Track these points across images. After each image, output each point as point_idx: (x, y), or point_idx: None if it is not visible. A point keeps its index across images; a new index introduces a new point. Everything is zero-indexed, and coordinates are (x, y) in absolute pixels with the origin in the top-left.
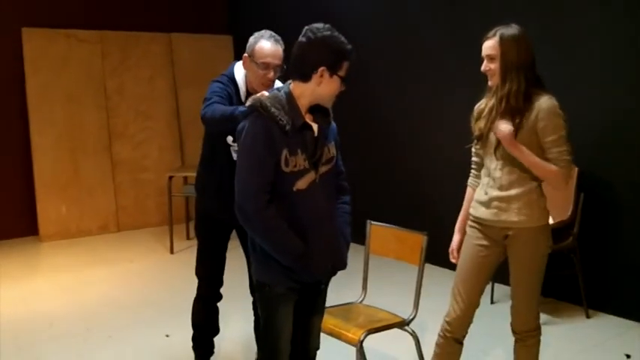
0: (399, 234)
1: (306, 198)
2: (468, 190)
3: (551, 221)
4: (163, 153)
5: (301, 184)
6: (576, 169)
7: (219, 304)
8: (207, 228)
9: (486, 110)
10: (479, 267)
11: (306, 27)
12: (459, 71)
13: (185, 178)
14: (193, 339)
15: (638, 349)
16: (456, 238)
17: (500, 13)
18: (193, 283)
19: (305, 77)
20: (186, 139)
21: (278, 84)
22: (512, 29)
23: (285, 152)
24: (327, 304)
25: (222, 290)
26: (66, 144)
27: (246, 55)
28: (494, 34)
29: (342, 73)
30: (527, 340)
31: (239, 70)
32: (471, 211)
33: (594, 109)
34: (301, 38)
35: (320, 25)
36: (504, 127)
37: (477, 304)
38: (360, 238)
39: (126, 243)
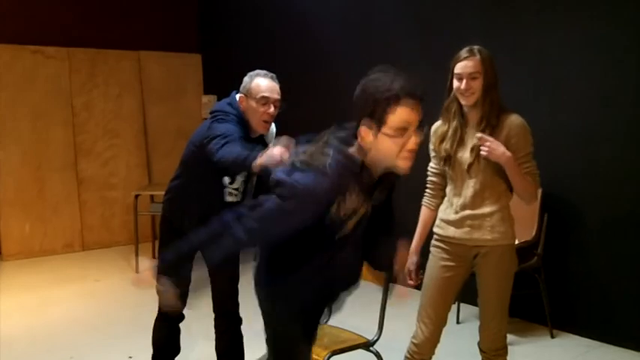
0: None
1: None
2: (424, 210)
3: (516, 241)
4: (131, 171)
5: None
6: (540, 189)
7: (181, 324)
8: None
9: (450, 131)
10: (445, 287)
11: None
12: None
13: (152, 196)
14: (153, 359)
15: None
16: (413, 259)
17: (469, 31)
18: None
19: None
20: (154, 157)
21: (272, 126)
22: (484, 49)
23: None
24: None
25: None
26: (31, 161)
27: (242, 95)
28: (474, 53)
29: (389, 129)
30: (495, 359)
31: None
32: (438, 230)
33: (557, 129)
34: None
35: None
36: (496, 145)
37: (444, 323)
38: None
39: (91, 262)
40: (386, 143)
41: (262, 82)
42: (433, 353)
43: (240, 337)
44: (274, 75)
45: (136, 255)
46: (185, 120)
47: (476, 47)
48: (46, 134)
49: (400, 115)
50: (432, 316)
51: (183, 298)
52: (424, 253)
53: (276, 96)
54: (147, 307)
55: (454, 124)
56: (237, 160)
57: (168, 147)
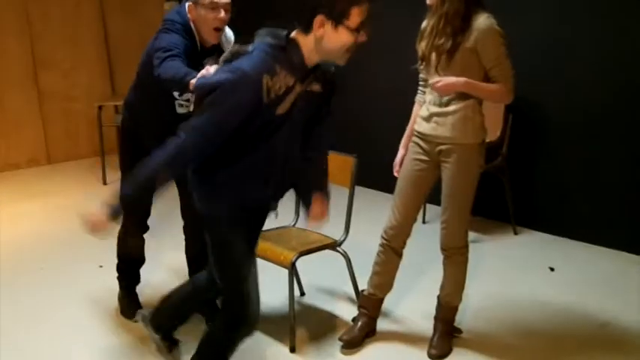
0: (329, 157)
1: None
2: (415, 106)
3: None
4: (93, 81)
5: (282, 107)
6: (512, 87)
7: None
8: (134, 155)
9: (428, 30)
10: (415, 180)
11: None
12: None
13: (116, 106)
14: (118, 269)
15: (561, 262)
16: (400, 152)
17: None
18: None
19: (305, 28)
20: (117, 67)
21: (228, 32)
22: None
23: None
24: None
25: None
26: None
27: (190, 3)
28: None
29: (351, 23)
30: (455, 257)
31: (185, 17)
32: (415, 126)
33: (526, 32)
34: None
35: None
36: (446, 81)
37: (413, 218)
38: None
39: (57, 175)
40: (342, 37)
41: None
42: (404, 244)
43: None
44: None
45: (103, 167)
46: (147, 28)
47: None
48: (1, 46)
49: (361, 12)
50: (400, 207)
51: (145, 208)
52: None
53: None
54: None
55: (432, 21)
56: (175, 78)
57: (131, 56)
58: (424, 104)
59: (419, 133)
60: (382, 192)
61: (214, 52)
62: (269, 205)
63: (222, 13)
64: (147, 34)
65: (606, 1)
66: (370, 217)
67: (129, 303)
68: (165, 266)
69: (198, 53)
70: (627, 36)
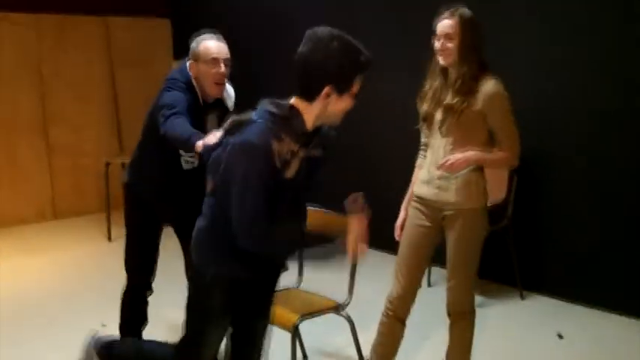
0: (332, 218)
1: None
2: (416, 170)
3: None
4: (101, 138)
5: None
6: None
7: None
8: (139, 215)
9: (431, 92)
10: (418, 246)
11: (309, 31)
12: (402, 56)
13: (123, 163)
14: (120, 328)
15: (571, 329)
16: (401, 215)
17: None
18: None
19: (309, 97)
20: (125, 124)
21: (229, 90)
22: (468, 10)
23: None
24: None
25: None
26: None
27: (191, 61)
28: (453, 14)
29: (354, 89)
30: (461, 322)
31: (187, 74)
32: (415, 189)
33: (529, 92)
34: (302, 47)
35: (326, 29)
36: (454, 159)
37: (418, 284)
38: None
39: (63, 230)
40: (345, 103)
41: (210, 44)
42: (408, 312)
43: None
44: (220, 34)
45: (108, 223)
46: (155, 86)
47: (459, 7)
48: (14, 103)
49: (362, 78)
50: (405, 273)
51: (149, 268)
52: None
53: (226, 55)
54: (119, 276)
55: (435, 84)
56: (180, 138)
57: (139, 113)
58: (425, 166)
59: (419, 197)
60: (387, 253)
61: (217, 105)
62: (282, 266)
63: (223, 68)
64: (155, 92)
65: (607, 55)
66: (375, 279)
67: None
68: (166, 325)
69: (200, 108)
70: (632, 89)
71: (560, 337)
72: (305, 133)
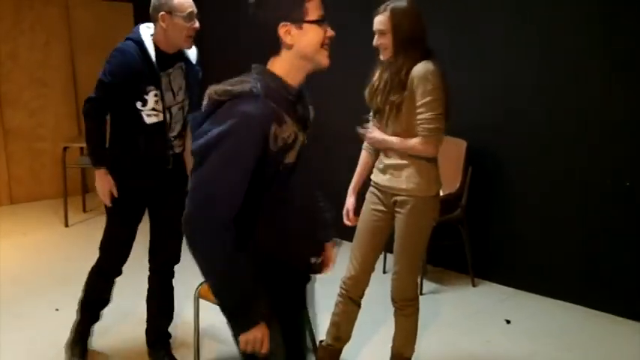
0: None
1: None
2: (363, 153)
3: (436, 193)
4: (60, 122)
5: (291, 155)
6: (465, 143)
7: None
8: (120, 200)
9: (381, 84)
10: (373, 231)
11: None
12: (354, 47)
13: (82, 148)
14: (81, 304)
15: (517, 315)
16: (349, 200)
17: None
18: (88, 256)
19: (274, 50)
20: None
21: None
22: (402, 2)
23: (273, 129)
24: None
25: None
26: None
27: (163, 13)
28: (385, 9)
29: (312, 16)
30: (405, 309)
31: (144, 33)
32: (372, 176)
33: (486, 85)
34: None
35: None
36: (372, 135)
37: (371, 268)
38: None
39: (19, 215)
40: (310, 34)
41: None
42: (362, 293)
43: (172, 292)
44: None
45: (65, 209)
46: None
47: (391, 2)
48: None
49: (316, 3)
50: (359, 257)
51: (125, 255)
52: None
53: (196, 9)
54: (74, 261)
55: (385, 76)
56: (87, 136)
57: None
58: (379, 155)
59: (375, 183)
60: (342, 239)
61: (178, 58)
62: (312, 266)
63: (197, 23)
64: None
65: (564, 51)
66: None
67: (78, 350)
68: (127, 315)
69: (153, 66)
70: (586, 85)
71: (508, 322)
72: (290, 92)
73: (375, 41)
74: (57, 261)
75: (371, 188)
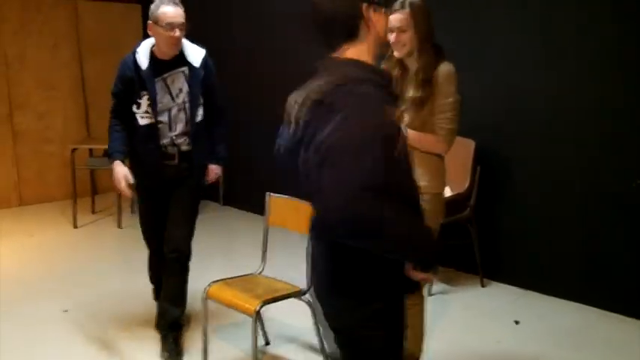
0: (296, 205)
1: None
2: None
3: (449, 193)
4: (68, 124)
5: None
6: (473, 142)
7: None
8: (140, 192)
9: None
10: None
11: None
12: None
13: (90, 150)
14: (155, 291)
15: (527, 315)
16: None
17: None
18: (96, 258)
19: (353, 35)
20: (92, 110)
21: (188, 44)
22: (418, 1)
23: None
24: (226, 275)
25: None
26: None
27: (150, 22)
28: (403, 6)
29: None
30: (411, 308)
31: (144, 45)
32: None
33: (495, 85)
34: None
35: None
36: None
37: None
38: (260, 208)
39: (27, 217)
40: (383, 18)
41: (167, 9)
42: None
43: (183, 283)
44: (178, 0)
45: (74, 210)
46: None
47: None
48: None
49: None
50: None
51: (158, 239)
52: None
53: (181, 20)
54: (83, 262)
55: (394, 73)
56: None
57: (107, 100)
58: None
59: None
60: None
61: (180, 63)
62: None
63: (177, 33)
64: None
65: (570, 51)
66: None
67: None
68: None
69: (142, 72)
70: (591, 85)
71: (517, 322)
72: (388, 80)
73: (393, 38)
74: (66, 262)
75: None
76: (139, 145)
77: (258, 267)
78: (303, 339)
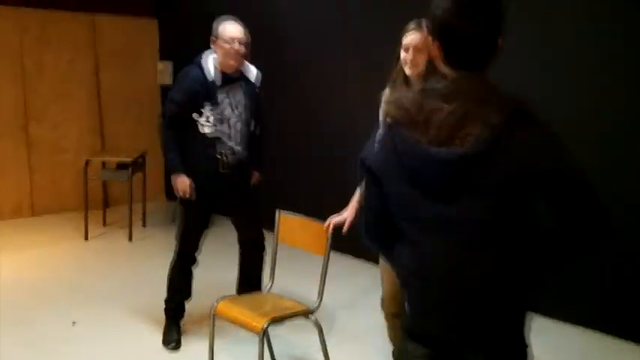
0: (306, 223)
1: None
2: None
3: None
4: (83, 135)
5: None
6: None
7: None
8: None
9: None
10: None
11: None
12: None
13: (103, 162)
14: (166, 302)
15: (536, 341)
16: (345, 214)
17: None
18: (106, 271)
19: (478, 65)
20: (107, 122)
21: (251, 67)
22: (427, 20)
23: None
24: (234, 290)
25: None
26: None
27: (213, 37)
28: (420, 26)
29: None
30: None
31: (209, 58)
32: None
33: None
34: (437, 10)
35: None
36: None
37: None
38: (271, 224)
39: (40, 227)
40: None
41: (229, 25)
42: (399, 309)
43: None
44: (238, 19)
45: (85, 222)
46: (139, 86)
47: (424, 20)
48: None
49: None
50: (387, 278)
51: (197, 243)
52: None
53: (242, 35)
54: (93, 275)
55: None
56: (164, 148)
57: (122, 112)
58: None
59: None
60: (361, 260)
61: (239, 79)
62: None
63: (237, 46)
64: (138, 91)
65: (578, 52)
66: (347, 285)
67: (171, 333)
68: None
69: (214, 82)
70: (598, 87)
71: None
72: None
73: (408, 56)
74: (75, 274)
75: None
76: (199, 153)
77: (267, 284)
78: (309, 358)
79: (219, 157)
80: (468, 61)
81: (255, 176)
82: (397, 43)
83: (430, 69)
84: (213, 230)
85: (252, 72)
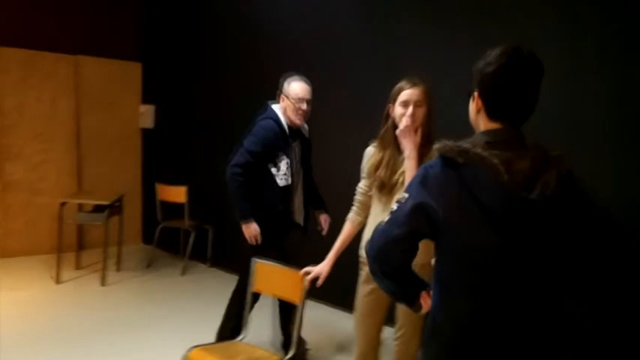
0: (282, 271)
1: None
2: (347, 225)
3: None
4: (61, 177)
5: None
6: None
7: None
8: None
9: (385, 160)
10: (369, 308)
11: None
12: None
13: (80, 205)
14: (222, 329)
15: None
16: (322, 266)
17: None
18: (75, 316)
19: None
20: (86, 164)
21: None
22: (423, 81)
23: None
24: (208, 339)
25: None
26: None
27: (282, 95)
28: (420, 83)
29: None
30: None
31: (279, 113)
32: (362, 252)
33: None
34: (488, 67)
35: None
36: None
37: (376, 343)
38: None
39: (10, 270)
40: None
41: (299, 85)
42: None
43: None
44: (305, 77)
45: (58, 265)
46: (121, 128)
47: (414, 78)
48: None
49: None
50: (361, 336)
51: None
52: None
53: (309, 96)
54: (60, 321)
55: (388, 152)
56: (234, 198)
57: (102, 154)
58: (370, 230)
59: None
60: (334, 307)
61: (297, 134)
62: None
63: (305, 106)
64: (120, 133)
65: (579, 57)
66: (324, 334)
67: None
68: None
69: (287, 134)
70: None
71: None
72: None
73: (409, 112)
74: (45, 320)
75: (361, 265)
76: (274, 204)
77: (240, 333)
78: None
79: (292, 207)
80: (513, 115)
81: (325, 221)
82: (387, 102)
83: (425, 125)
84: (188, 278)
85: (305, 127)
